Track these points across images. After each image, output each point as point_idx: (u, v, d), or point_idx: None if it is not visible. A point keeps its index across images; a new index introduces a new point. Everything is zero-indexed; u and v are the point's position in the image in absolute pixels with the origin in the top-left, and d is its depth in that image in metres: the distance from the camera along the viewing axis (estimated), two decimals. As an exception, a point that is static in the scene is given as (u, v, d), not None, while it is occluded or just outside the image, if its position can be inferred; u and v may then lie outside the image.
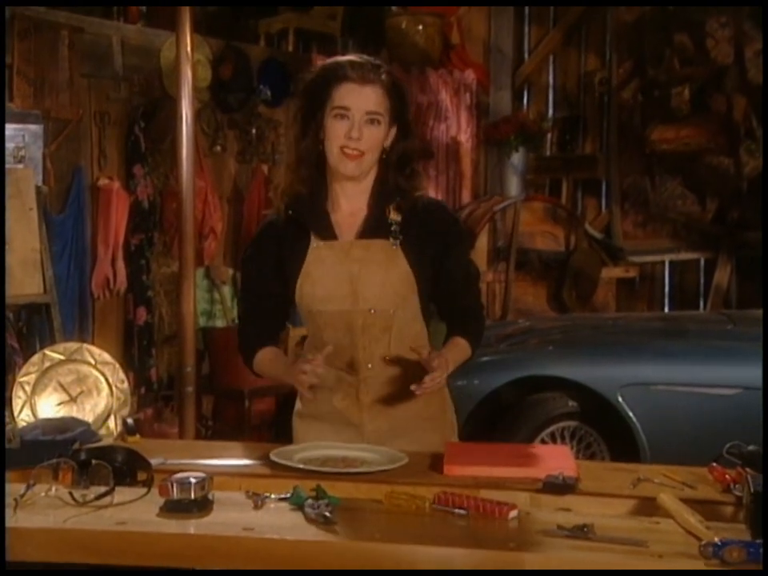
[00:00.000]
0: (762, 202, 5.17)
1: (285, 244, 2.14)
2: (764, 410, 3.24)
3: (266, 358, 2.17)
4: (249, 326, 2.21)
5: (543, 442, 4.11)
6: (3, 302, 3.79)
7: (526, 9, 6.99)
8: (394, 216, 2.12)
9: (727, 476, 1.70)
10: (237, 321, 2.31)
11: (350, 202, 2.13)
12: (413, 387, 1.94)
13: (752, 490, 1.43)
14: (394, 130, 2.10)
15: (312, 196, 2.12)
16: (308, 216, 2.12)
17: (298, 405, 2.24)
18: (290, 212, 2.13)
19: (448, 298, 2.17)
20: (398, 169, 2.12)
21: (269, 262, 2.15)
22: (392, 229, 2.10)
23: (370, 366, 2.09)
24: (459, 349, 2.11)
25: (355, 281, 2.08)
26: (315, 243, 2.11)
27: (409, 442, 2.04)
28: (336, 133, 2.05)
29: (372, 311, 2.08)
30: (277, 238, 2.15)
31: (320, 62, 2.15)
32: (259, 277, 2.18)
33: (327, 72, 2.09)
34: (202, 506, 1.53)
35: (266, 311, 2.18)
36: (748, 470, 1.64)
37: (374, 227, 2.11)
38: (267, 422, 5.36)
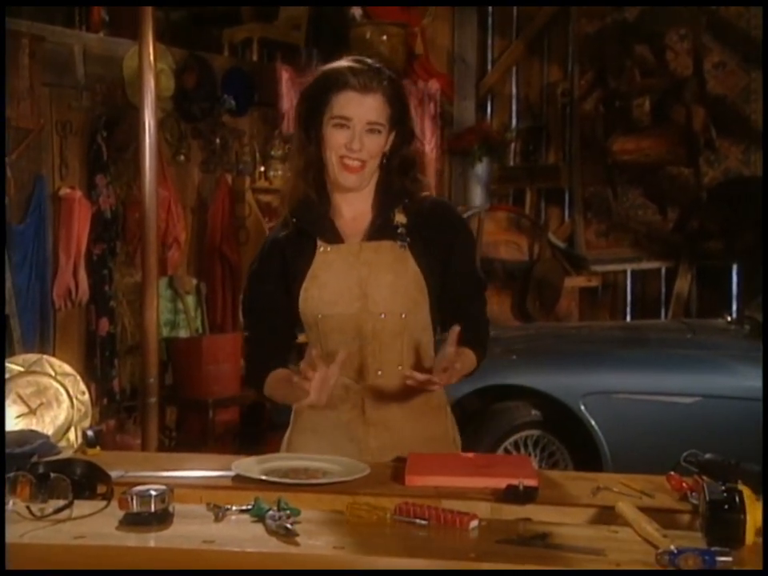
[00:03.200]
0: (763, 204, 5.20)
1: (289, 252, 2.05)
2: (764, 420, 3.26)
3: (274, 381, 2.03)
4: (255, 348, 2.11)
5: (507, 450, 4.14)
6: (3, 302, 3.75)
7: (490, 19, 7.04)
8: (400, 218, 2.04)
9: (684, 484, 1.72)
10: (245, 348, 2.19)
11: (353, 207, 2.06)
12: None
13: (707, 498, 1.44)
14: (392, 135, 2.03)
15: (316, 202, 2.04)
16: (312, 222, 2.04)
17: (293, 418, 2.12)
18: (294, 220, 2.05)
19: (455, 304, 2.06)
20: (401, 173, 2.05)
21: (273, 275, 2.06)
22: (398, 231, 2.03)
23: (379, 373, 2.01)
24: (467, 359, 1.98)
25: (365, 284, 2.00)
26: (322, 247, 2.03)
27: None
28: (337, 142, 1.97)
29: (383, 315, 1.99)
30: (281, 249, 2.07)
31: (320, 66, 2.07)
32: (264, 292, 2.08)
33: (327, 78, 1.99)
34: (162, 518, 1.52)
35: (272, 329, 2.07)
36: (704, 478, 1.66)
37: (380, 230, 2.03)
38: (231, 433, 5.34)
